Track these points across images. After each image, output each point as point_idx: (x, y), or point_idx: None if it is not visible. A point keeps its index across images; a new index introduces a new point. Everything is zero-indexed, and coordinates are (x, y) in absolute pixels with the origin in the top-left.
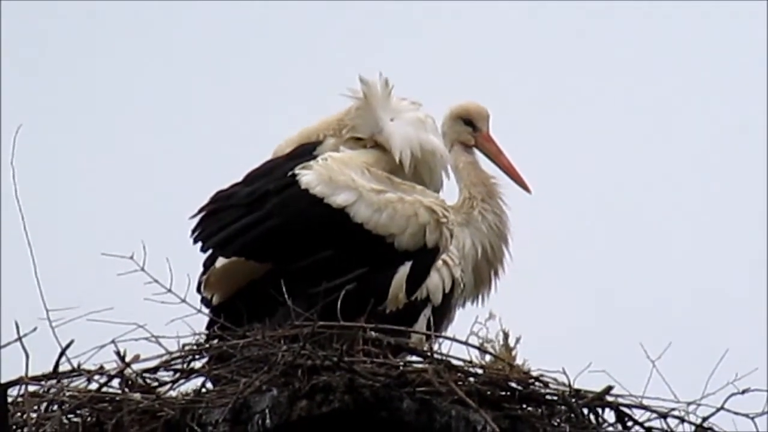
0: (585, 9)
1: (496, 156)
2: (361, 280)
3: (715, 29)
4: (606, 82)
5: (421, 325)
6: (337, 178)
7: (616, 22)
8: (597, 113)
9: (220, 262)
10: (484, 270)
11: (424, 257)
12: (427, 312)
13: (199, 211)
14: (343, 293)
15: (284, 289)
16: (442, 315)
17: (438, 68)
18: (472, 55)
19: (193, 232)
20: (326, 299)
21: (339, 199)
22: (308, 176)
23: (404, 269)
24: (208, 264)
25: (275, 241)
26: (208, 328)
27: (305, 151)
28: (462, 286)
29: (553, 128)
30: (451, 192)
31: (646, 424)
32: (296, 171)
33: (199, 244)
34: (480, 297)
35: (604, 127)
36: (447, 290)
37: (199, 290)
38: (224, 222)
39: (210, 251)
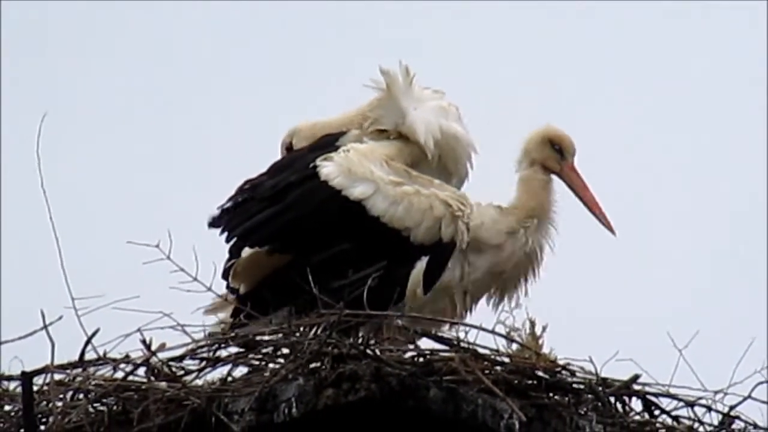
0: (585, 8)
1: (581, 189)
2: (381, 274)
3: (715, 29)
4: (605, 82)
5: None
6: (356, 170)
7: (616, 22)
8: (596, 114)
9: (246, 252)
10: (497, 279)
11: (441, 252)
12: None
13: (227, 202)
14: (366, 287)
15: (309, 279)
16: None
17: (438, 68)
18: (473, 55)
19: (219, 222)
20: (349, 292)
21: (356, 192)
22: (328, 168)
23: (421, 264)
24: (235, 252)
25: (295, 233)
26: (233, 316)
27: (327, 143)
28: (464, 241)
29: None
30: (475, 186)
31: (673, 413)
32: (317, 162)
33: (225, 234)
34: (497, 301)
35: (604, 128)
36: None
37: (225, 278)
38: (248, 214)
39: (234, 241)
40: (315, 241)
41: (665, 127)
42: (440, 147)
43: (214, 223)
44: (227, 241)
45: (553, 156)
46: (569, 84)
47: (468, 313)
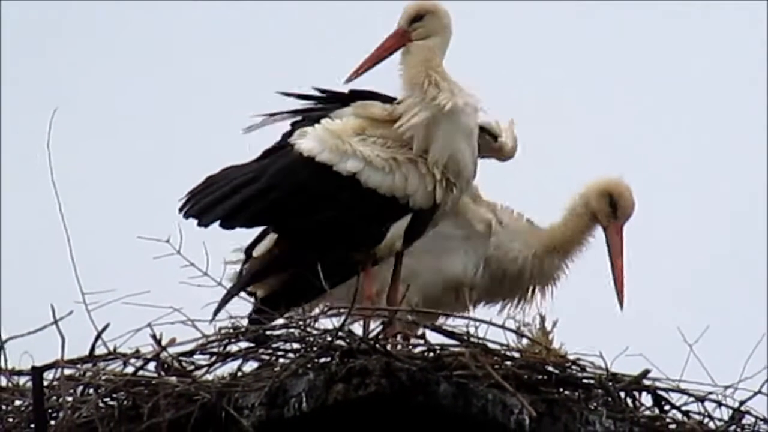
0: (585, 8)
1: (616, 254)
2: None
3: (715, 29)
4: (605, 83)
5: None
6: (339, 145)
7: (615, 22)
8: (596, 114)
9: (258, 250)
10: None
11: (428, 212)
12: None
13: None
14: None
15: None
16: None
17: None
18: (477, 55)
19: (191, 207)
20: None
21: (348, 166)
22: (309, 143)
23: (405, 220)
24: (249, 254)
25: (281, 210)
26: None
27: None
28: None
29: (552, 130)
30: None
31: (683, 408)
32: (293, 140)
33: (201, 217)
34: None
35: (605, 129)
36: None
37: (255, 298)
38: (222, 195)
39: (213, 225)
40: (301, 215)
41: (665, 127)
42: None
43: (184, 208)
44: (202, 223)
45: (606, 210)
46: (568, 84)
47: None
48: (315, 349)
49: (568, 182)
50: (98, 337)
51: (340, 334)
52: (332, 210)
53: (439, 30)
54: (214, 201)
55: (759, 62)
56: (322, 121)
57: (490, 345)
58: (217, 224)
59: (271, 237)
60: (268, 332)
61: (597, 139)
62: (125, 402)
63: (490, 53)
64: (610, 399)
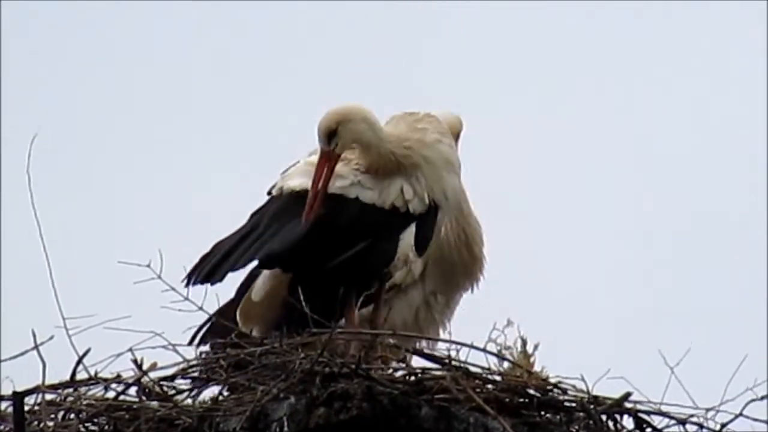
0: (584, 7)
1: None
2: (366, 247)
3: (715, 29)
4: (604, 83)
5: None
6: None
7: (613, 21)
8: (597, 113)
9: (257, 294)
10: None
11: (430, 216)
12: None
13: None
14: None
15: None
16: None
17: (435, 69)
18: (470, 57)
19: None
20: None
21: (341, 187)
22: (296, 179)
23: (411, 228)
24: (242, 294)
25: (287, 251)
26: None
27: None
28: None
29: (552, 132)
30: None
31: (665, 431)
32: (279, 183)
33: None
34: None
35: (606, 129)
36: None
37: (234, 322)
38: (222, 256)
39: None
40: (310, 251)
41: (665, 127)
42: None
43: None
44: (213, 281)
45: None
46: (567, 84)
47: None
48: (296, 372)
49: (578, 186)
50: (79, 361)
51: (321, 358)
52: (338, 237)
53: (360, 132)
54: (218, 262)
55: (759, 62)
56: (301, 161)
57: (472, 368)
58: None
59: (268, 277)
60: (249, 357)
61: (598, 140)
62: (107, 427)
63: (490, 52)
64: (591, 422)
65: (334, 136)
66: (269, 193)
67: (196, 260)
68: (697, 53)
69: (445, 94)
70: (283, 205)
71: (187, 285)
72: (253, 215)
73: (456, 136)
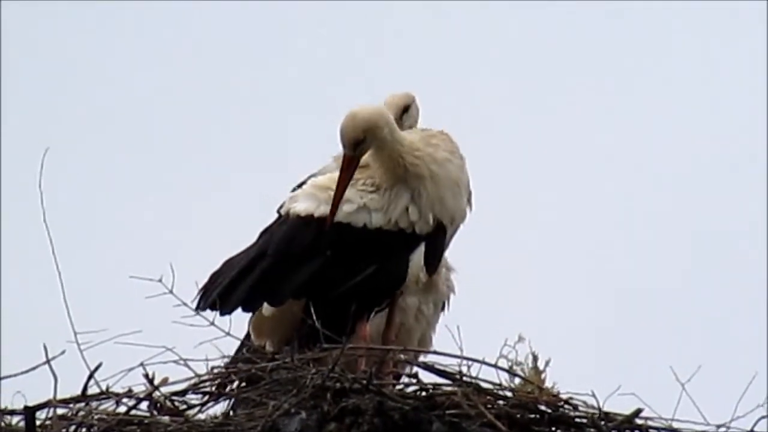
0: (583, 7)
1: None
2: (377, 271)
3: (715, 29)
4: (604, 84)
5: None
6: (332, 195)
7: (613, 21)
8: (598, 113)
9: (268, 309)
10: None
11: (439, 236)
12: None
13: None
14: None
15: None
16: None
17: (423, 68)
18: (456, 55)
19: (200, 303)
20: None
21: (349, 211)
22: (302, 204)
23: (420, 249)
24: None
25: (298, 280)
26: (237, 351)
27: None
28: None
29: (551, 133)
30: None
31: None
32: (286, 205)
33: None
34: None
35: (608, 131)
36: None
37: (247, 337)
38: (231, 281)
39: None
40: (321, 278)
41: (666, 127)
42: None
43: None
44: (222, 312)
45: None
46: (567, 84)
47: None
48: (308, 388)
49: (589, 198)
50: (91, 376)
51: (332, 373)
52: (349, 262)
53: (383, 140)
54: (227, 289)
55: (759, 63)
56: (308, 180)
57: (483, 384)
58: (239, 310)
59: None
60: (260, 372)
61: (597, 141)
62: None
63: (477, 53)
64: None
65: (361, 144)
66: (278, 211)
67: (206, 278)
68: (697, 53)
69: (438, 94)
70: (289, 232)
71: (197, 309)
72: (262, 234)
73: (402, 110)
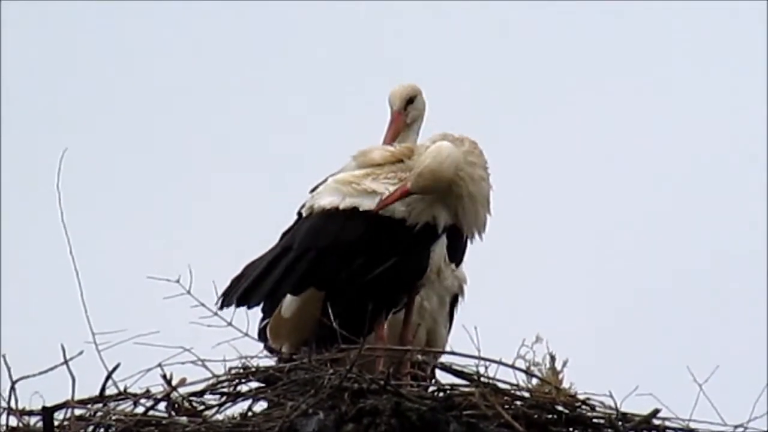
0: (583, 7)
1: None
2: (399, 262)
3: (715, 29)
4: (603, 83)
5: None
6: (356, 187)
7: (612, 21)
8: (598, 114)
9: (287, 310)
10: None
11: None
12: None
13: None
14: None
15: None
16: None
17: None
18: (456, 55)
19: (224, 300)
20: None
21: (375, 203)
22: (326, 198)
23: (442, 240)
24: (268, 311)
25: (323, 270)
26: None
27: None
28: None
29: (551, 135)
30: None
31: None
32: (308, 203)
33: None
34: None
35: (604, 125)
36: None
37: (262, 338)
38: (257, 276)
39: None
40: (345, 270)
41: (666, 128)
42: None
43: (224, 302)
44: (249, 305)
45: None
46: (566, 84)
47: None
48: (326, 388)
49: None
50: (109, 377)
51: (350, 374)
52: (372, 253)
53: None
54: (253, 283)
55: (759, 63)
56: (328, 179)
57: (500, 384)
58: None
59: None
60: (278, 372)
61: (599, 141)
62: None
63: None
64: None
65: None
66: (299, 213)
67: (224, 279)
68: (697, 53)
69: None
70: (314, 226)
71: (221, 307)
72: (283, 235)
73: (407, 101)
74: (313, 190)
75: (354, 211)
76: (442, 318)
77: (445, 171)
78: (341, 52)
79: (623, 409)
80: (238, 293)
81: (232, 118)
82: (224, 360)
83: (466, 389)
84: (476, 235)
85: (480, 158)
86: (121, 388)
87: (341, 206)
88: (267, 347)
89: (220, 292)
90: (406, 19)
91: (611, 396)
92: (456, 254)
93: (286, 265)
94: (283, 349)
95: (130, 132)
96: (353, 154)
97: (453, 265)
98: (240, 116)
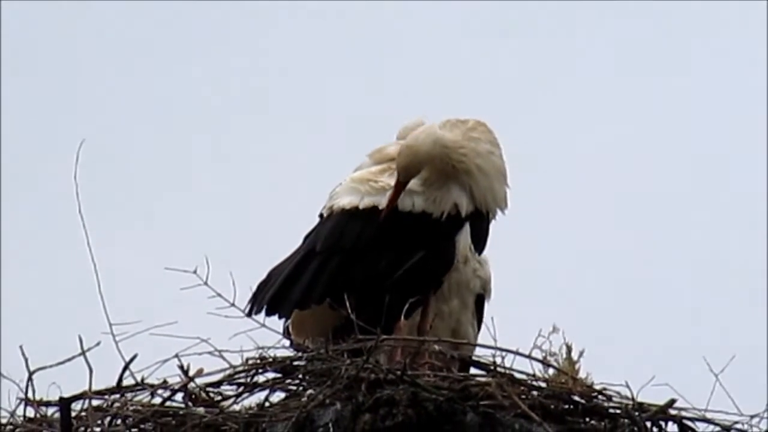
0: (584, 7)
1: None
2: (426, 256)
3: (715, 29)
4: (604, 83)
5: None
6: (374, 185)
7: (612, 21)
8: (600, 113)
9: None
10: None
11: (483, 218)
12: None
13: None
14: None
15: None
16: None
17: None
18: (456, 55)
19: (252, 307)
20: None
21: (385, 202)
22: (345, 198)
23: (465, 229)
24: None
25: (351, 272)
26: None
27: None
28: None
29: (552, 135)
30: None
31: None
32: (328, 204)
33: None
34: None
35: (605, 125)
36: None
37: (286, 335)
38: (284, 281)
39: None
40: (372, 269)
41: (667, 128)
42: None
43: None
44: (281, 315)
45: None
46: (567, 83)
47: None
48: (342, 379)
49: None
50: (126, 367)
51: (366, 364)
52: (398, 250)
53: (433, 160)
54: (280, 290)
55: (759, 63)
56: (347, 177)
57: (517, 375)
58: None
59: None
60: (295, 363)
61: (599, 142)
62: None
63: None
64: (636, 428)
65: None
66: (320, 215)
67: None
68: (697, 53)
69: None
70: (336, 226)
71: (248, 315)
72: (306, 237)
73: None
74: (332, 192)
75: (374, 209)
76: (466, 318)
77: (422, 144)
78: (341, 52)
79: (639, 399)
80: (267, 300)
81: (234, 119)
82: (241, 350)
83: (483, 379)
84: (498, 211)
85: (486, 135)
86: (139, 379)
87: (361, 206)
88: (292, 344)
89: (250, 296)
90: (406, 18)
91: (627, 386)
92: (479, 243)
93: (313, 272)
94: (307, 344)
95: (114, 133)
96: (369, 152)
97: (477, 254)
98: (240, 115)
